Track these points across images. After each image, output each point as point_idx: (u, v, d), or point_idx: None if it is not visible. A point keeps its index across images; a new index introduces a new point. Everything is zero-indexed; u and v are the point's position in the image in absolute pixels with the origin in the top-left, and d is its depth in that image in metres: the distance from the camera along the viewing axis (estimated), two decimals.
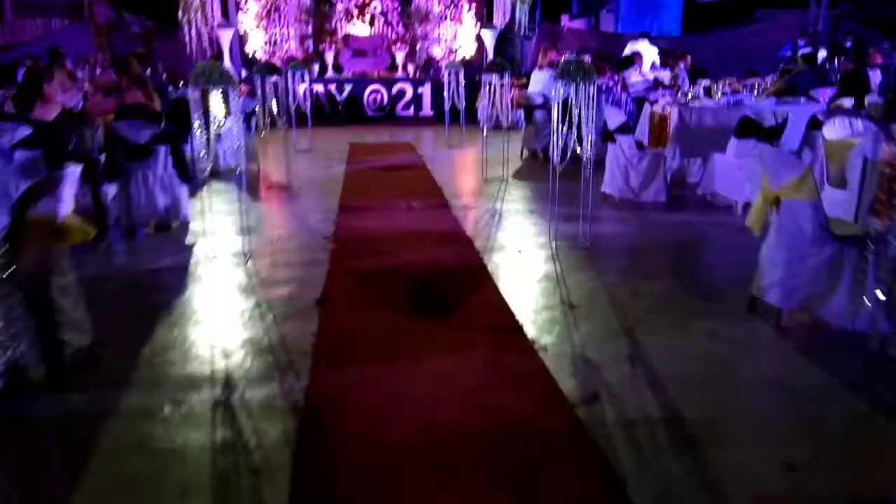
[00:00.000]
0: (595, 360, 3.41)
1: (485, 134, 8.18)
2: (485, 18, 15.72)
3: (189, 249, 5.45)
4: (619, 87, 8.95)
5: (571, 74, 5.12)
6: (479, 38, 15.80)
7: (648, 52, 11.12)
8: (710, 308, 4.14)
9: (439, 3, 15.81)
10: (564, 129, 5.41)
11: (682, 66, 9.67)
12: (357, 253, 5.27)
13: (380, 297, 4.32)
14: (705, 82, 9.32)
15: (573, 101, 5.31)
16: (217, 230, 5.99)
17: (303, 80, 10.32)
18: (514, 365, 3.41)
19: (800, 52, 12.62)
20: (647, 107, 7.13)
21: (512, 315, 4.02)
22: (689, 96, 7.20)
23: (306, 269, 4.91)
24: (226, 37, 14.14)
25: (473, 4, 15.82)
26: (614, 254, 5.36)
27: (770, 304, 3.83)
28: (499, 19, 14.67)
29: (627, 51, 11.22)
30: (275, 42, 15.68)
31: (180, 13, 12.76)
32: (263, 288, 4.53)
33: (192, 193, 6.73)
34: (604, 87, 8.94)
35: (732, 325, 3.87)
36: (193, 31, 12.84)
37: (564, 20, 17.78)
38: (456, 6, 15.85)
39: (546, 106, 9.37)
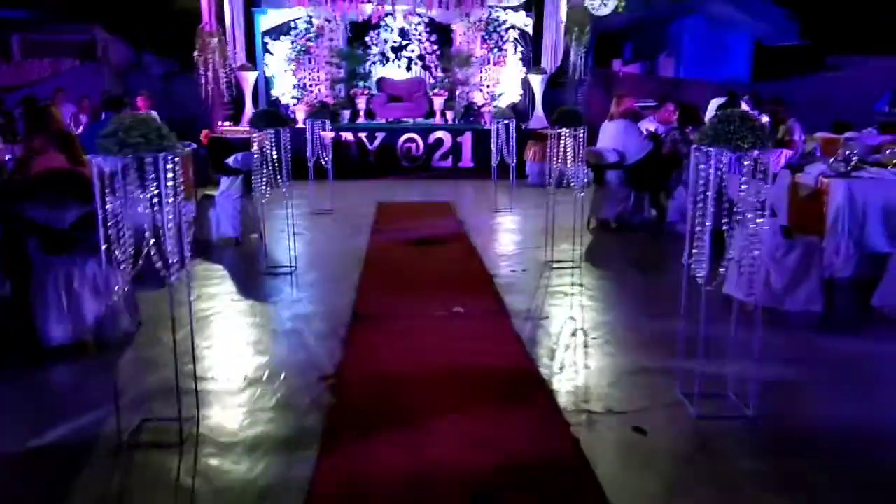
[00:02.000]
0: None
1: (552, 201, 5.99)
2: (531, 62, 13.74)
3: (110, 403, 3.33)
4: None
5: (734, 138, 2.94)
6: (525, 84, 13.81)
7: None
8: None
9: (482, 45, 13.89)
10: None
11: (793, 118, 7.44)
12: (368, 417, 3.10)
13: None
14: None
15: (724, 179, 3.14)
16: (169, 353, 3.87)
17: (324, 129, 8.33)
18: None
19: None
20: (784, 176, 4.95)
21: None
22: (853, 163, 4.92)
23: (279, 467, 2.73)
24: (248, 80, 12.34)
25: (519, 47, 13.87)
26: (799, 437, 3.08)
27: None
28: (548, 63, 12.64)
29: (712, 109, 9.06)
30: (304, 86, 13.89)
31: (196, 53, 10.97)
32: None
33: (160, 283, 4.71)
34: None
35: None
36: (210, 73, 11.03)
37: (616, 66, 15.69)
38: (500, 49, 13.91)
39: (621, 165, 7.21)
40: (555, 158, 6.04)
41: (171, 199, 2.88)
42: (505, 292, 5.03)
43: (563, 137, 5.88)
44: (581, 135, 5.75)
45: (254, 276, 5.62)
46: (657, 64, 14.67)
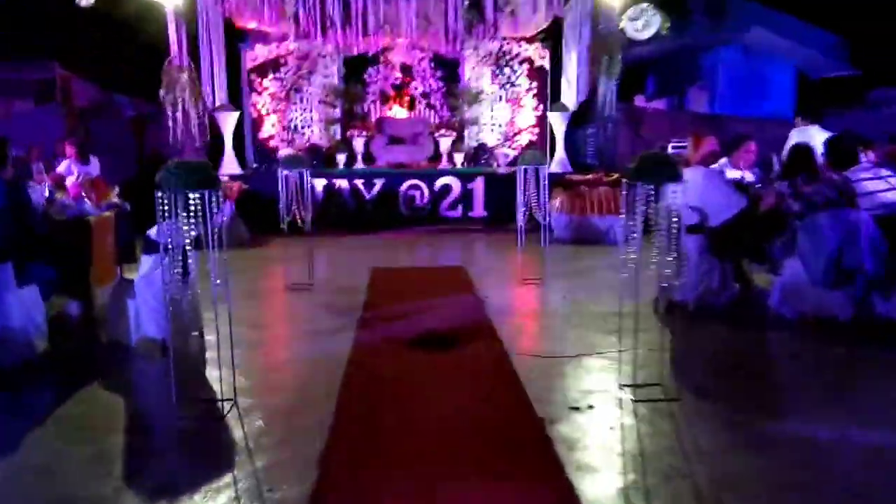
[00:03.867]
0: None
1: (636, 285, 3.77)
2: (548, 98, 11.73)
3: None
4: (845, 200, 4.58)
5: None
6: (542, 122, 11.77)
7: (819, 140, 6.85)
8: None
9: (493, 81, 11.90)
10: None
11: None
12: None
13: None
14: None
15: None
16: None
17: (301, 178, 6.18)
18: None
19: None
20: None
21: None
22: None
23: None
24: (228, 122, 10.30)
25: (535, 82, 11.87)
26: None
27: None
28: (571, 99, 10.59)
29: (797, 139, 6.97)
30: (294, 128, 11.88)
31: (162, 92, 8.95)
32: None
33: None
34: (819, 201, 4.58)
35: None
36: (180, 114, 8.99)
37: (638, 101, 13.66)
38: (513, 85, 11.91)
39: (703, 229, 5.03)
40: (628, 219, 3.85)
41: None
42: (573, 463, 2.80)
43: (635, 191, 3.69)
44: (676, 191, 3.57)
45: (156, 426, 3.42)
46: (687, 99, 12.62)
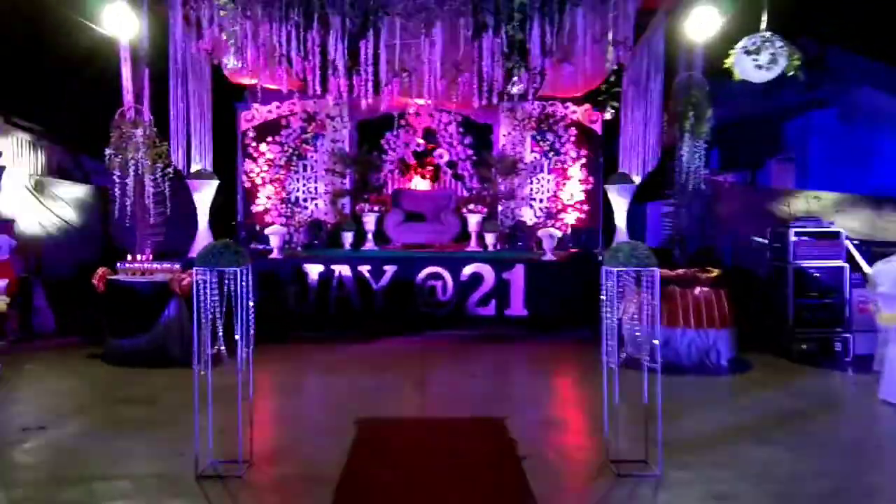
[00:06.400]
0: None
1: None
2: (602, 168, 9.09)
3: None
4: None
5: None
6: (594, 197, 9.08)
7: None
8: None
9: (532, 148, 9.31)
10: None
11: None
12: None
13: None
14: None
15: None
16: None
17: (237, 283, 3.40)
18: None
19: None
20: None
21: None
22: None
23: None
24: (204, 192, 7.74)
25: (584, 149, 9.24)
26: None
27: None
28: (634, 168, 7.86)
29: None
30: (296, 200, 9.32)
31: (110, 151, 6.42)
32: None
33: None
34: None
35: None
36: (131, 181, 6.42)
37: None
38: (557, 152, 9.29)
39: None
40: None
41: None
42: None
43: None
44: None
45: None
46: (765, 172, 9.83)
